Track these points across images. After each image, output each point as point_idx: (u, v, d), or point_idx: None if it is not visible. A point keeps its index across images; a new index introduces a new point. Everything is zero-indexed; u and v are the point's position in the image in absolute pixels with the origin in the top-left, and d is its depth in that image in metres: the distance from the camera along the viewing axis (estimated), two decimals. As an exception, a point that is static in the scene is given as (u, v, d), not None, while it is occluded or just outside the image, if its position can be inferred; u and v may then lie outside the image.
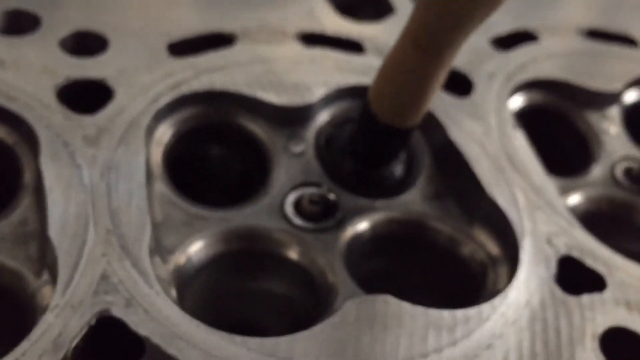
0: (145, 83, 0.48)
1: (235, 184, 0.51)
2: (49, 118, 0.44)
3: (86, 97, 0.47)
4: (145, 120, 0.46)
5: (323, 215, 0.46)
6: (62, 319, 0.35)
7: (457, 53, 0.41)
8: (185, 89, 0.48)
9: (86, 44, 0.50)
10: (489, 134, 0.51)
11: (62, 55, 0.49)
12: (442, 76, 0.43)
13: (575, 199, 0.53)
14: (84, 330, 0.35)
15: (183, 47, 0.52)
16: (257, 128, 0.50)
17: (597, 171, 0.56)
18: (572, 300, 0.42)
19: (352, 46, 0.56)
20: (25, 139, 0.44)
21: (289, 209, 0.46)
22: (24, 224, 0.42)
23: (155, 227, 0.43)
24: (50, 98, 0.46)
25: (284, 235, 0.45)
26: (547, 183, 0.49)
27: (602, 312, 0.41)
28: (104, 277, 0.37)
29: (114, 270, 0.37)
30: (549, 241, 0.45)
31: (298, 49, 0.54)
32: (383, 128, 0.46)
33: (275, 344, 0.36)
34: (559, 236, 0.45)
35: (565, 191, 0.53)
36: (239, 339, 0.36)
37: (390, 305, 0.39)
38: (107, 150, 0.43)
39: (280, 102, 0.49)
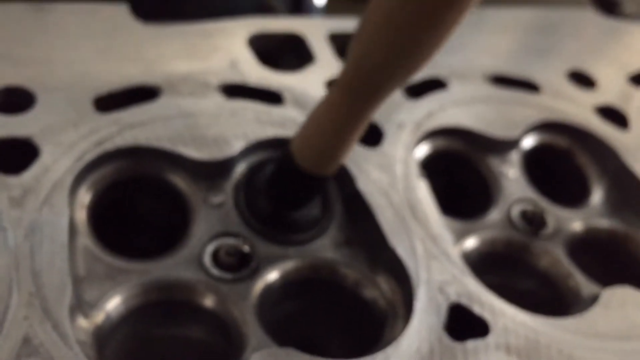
0: (71, 140, 0.51)
1: (160, 235, 0.54)
2: (-26, 180, 0.46)
3: (13, 156, 0.49)
4: (69, 179, 0.48)
5: (238, 266, 0.50)
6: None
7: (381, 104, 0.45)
8: (109, 146, 0.51)
9: (14, 100, 0.53)
10: (395, 184, 0.56)
11: (-11, 113, 0.51)
12: (364, 127, 0.46)
13: (472, 241, 0.58)
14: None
15: (109, 102, 0.55)
16: (178, 180, 0.53)
17: (495, 213, 0.61)
18: (457, 346, 0.46)
19: (271, 97, 0.60)
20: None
21: (207, 259, 0.50)
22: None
23: (79, 281, 0.46)
24: (-24, 159, 0.48)
25: (200, 285, 0.48)
26: (444, 232, 0.54)
27: (484, 357, 0.46)
28: (26, 340, 0.40)
29: (35, 333, 0.40)
30: (441, 289, 0.49)
31: (220, 101, 0.58)
32: (303, 176, 0.49)
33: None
34: (451, 284, 0.50)
35: (463, 234, 0.58)
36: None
37: (293, 358, 0.43)
38: (31, 212, 0.46)
39: (200, 157, 0.53)
